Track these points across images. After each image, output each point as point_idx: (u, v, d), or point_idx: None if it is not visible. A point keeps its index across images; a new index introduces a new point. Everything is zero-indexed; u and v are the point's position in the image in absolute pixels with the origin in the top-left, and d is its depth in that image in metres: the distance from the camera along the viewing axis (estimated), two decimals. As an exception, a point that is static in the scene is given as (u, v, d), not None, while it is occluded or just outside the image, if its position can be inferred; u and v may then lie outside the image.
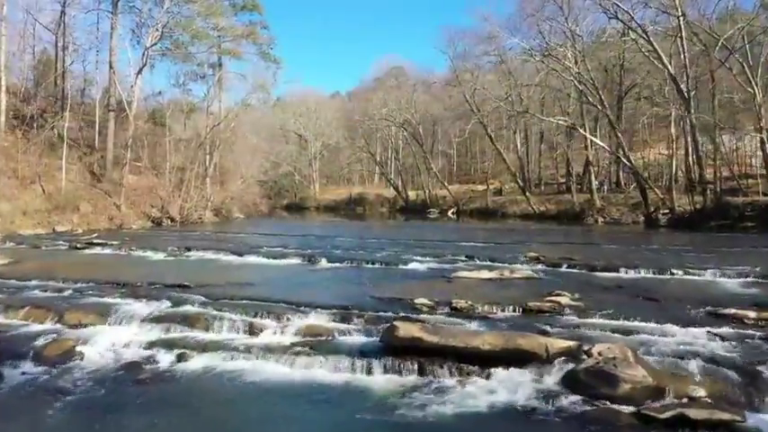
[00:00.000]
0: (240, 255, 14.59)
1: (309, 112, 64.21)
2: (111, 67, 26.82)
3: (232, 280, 10.74)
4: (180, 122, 34.59)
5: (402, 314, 7.89)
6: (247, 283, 10.44)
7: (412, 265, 12.61)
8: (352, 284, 10.28)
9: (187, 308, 8.49)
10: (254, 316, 8.01)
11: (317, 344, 7.02)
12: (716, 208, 23.47)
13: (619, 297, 9.01)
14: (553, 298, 8.50)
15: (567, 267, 12.04)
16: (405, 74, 57.54)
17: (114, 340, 7.46)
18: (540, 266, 12.24)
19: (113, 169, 26.72)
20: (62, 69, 27.83)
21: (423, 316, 7.87)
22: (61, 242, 17.68)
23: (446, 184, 49.68)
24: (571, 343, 6.40)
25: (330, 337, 7.27)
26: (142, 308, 8.57)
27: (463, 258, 13.51)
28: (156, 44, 27.54)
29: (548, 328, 7.25)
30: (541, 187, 47.17)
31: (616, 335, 6.94)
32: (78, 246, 16.63)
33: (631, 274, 11.20)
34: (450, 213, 44.65)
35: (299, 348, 6.90)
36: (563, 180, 46.84)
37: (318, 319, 7.82)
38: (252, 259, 14.12)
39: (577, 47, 26.20)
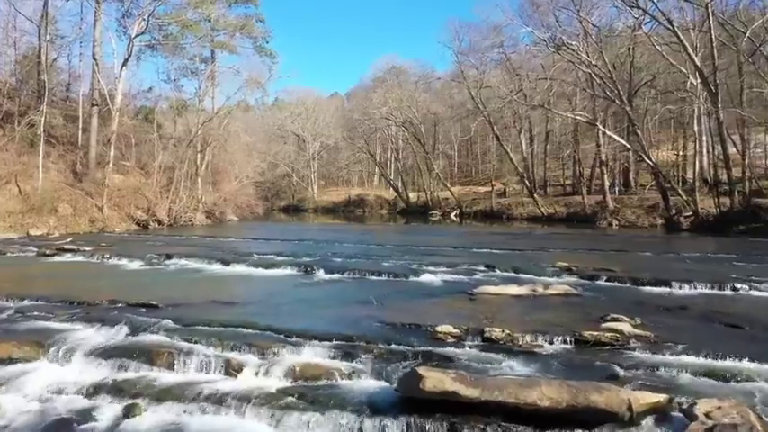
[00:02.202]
0: (227, 264, 12.82)
1: (308, 112, 62.46)
2: (94, 58, 25.01)
3: (211, 297, 8.97)
4: (171, 120, 32.85)
5: (421, 347, 6.15)
6: (229, 301, 8.68)
7: (424, 278, 10.84)
8: (355, 303, 8.51)
9: (149, 337, 6.74)
10: (233, 349, 6.25)
11: (313, 391, 5.29)
12: (744, 210, 21.75)
13: (689, 322, 7.27)
14: (610, 324, 6.75)
15: (606, 280, 10.30)
16: (405, 73, 55.81)
17: (48, 383, 5.74)
18: (573, 279, 10.50)
19: (96, 168, 24.91)
20: (45, 62, 26.01)
21: (448, 349, 6.13)
22: (31, 247, 15.91)
23: (448, 185, 47.91)
24: (661, 397, 4.68)
25: (329, 381, 5.53)
26: (93, 336, 6.83)
27: (482, 268, 11.75)
28: (141, 34, 25.73)
29: (616, 368, 5.51)
30: (547, 189, 45.47)
31: (712, 381, 5.21)
32: (47, 252, 14.85)
33: (686, 289, 9.45)
34: (452, 216, 42.94)
35: (288, 398, 5.18)
36: (569, 181, 45.23)
37: (314, 355, 6.07)
38: (239, 269, 12.34)
39: (594, 39, 24.49)
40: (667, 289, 9.48)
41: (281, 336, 6.53)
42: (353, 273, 11.35)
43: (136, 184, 26.46)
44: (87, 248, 15.11)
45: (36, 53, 28.61)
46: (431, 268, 11.64)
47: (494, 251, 15.39)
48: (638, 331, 6.54)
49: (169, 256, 13.68)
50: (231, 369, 5.86)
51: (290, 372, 5.68)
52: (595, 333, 6.37)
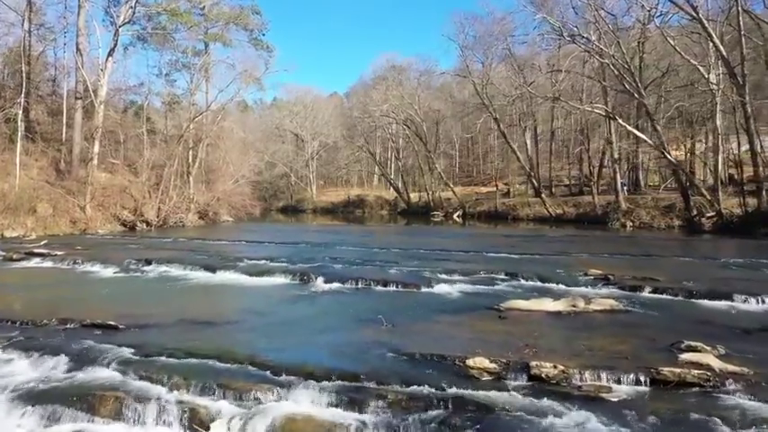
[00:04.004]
0: (213, 270, 11.30)
1: (306, 111, 60.89)
2: (78, 49, 23.47)
3: (187, 314, 7.47)
4: (162, 116, 31.34)
5: (451, 390, 4.66)
6: (207, 320, 7.15)
7: (439, 288, 9.34)
8: (360, 324, 7.00)
9: (96, 372, 5.25)
10: (202, 392, 4.76)
11: (306, 460, 3.81)
12: (773, 211, 20.29)
13: (784, 351, 5.77)
14: (690, 356, 5.26)
15: (651, 292, 8.80)
16: (406, 71, 54.24)
17: (-53, 443, 4.25)
18: (613, 290, 9.01)
19: (80, 166, 23.38)
20: (25, 51, 24.49)
21: (486, 393, 4.64)
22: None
23: (451, 185, 46.40)
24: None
25: (329, 444, 4.05)
26: (25, 371, 5.37)
27: (503, 276, 10.27)
28: (129, 23, 24.21)
29: (723, 426, 4.02)
30: (552, 189, 43.98)
31: None
32: (14, 257, 13.32)
33: (753, 303, 7.93)
34: (455, 216, 41.44)
35: (271, 472, 3.69)
36: (574, 181, 43.75)
37: (309, 401, 4.57)
38: (226, 277, 10.85)
39: (610, 28, 23.02)
40: (730, 303, 7.99)
41: (266, 373, 5.02)
42: (356, 282, 9.85)
43: (123, 183, 24.90)
44: (59, 252, 13.57)
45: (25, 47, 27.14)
46: (444, 276, 10.17)
47: (510, 255, 13.89)
48: (729, 366, 5.04)
49: (149, 262, 12.19)
50: (197, 423, 4.38)
51: (276, 428, 4.20)
52: (677, 370, 4.87)
